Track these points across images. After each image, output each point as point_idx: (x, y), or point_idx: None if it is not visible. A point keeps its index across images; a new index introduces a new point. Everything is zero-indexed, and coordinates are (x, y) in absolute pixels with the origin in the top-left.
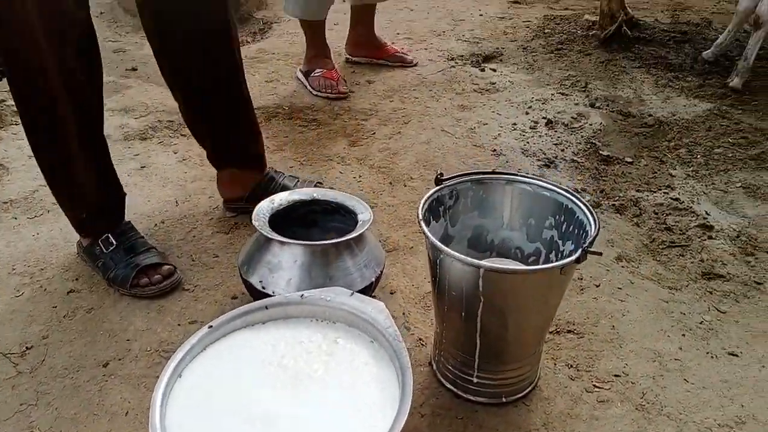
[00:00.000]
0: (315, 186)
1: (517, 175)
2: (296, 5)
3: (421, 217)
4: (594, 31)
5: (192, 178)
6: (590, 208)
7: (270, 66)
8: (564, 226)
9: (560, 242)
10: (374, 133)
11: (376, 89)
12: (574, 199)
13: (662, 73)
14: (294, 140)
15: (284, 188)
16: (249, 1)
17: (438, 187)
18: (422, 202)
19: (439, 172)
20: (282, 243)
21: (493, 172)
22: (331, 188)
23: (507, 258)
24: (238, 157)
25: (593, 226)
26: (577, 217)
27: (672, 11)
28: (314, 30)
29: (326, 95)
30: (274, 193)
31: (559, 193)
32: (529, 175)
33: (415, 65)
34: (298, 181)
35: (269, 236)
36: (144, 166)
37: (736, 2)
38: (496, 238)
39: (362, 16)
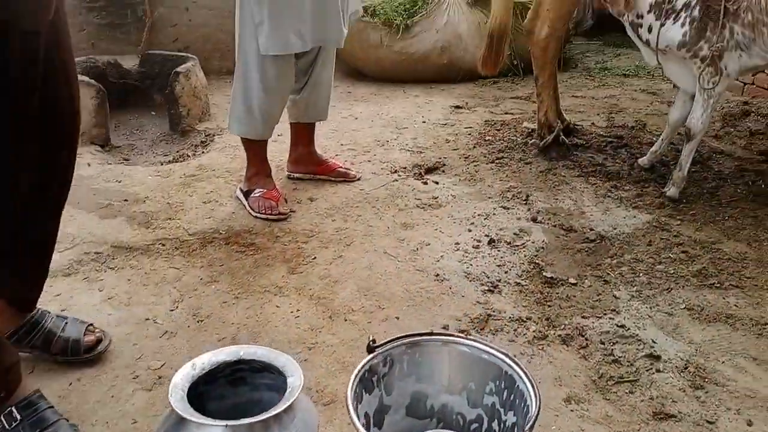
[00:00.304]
0: (87, 329)
1: (453, 335)
2: (240, 124)
3: (350, 402)
4: (533, 140)
5: (116, 321)
6: (531, 378)
7: (209, 184)
8: (505, 394)
9: (502, 411)
10: (315, 258)
11: (318, 207)
12: (514, 365)
13: (601, 182)
14: (230, 269)
15: (50, 333)
16: (191, 113)
17: (370, 356)
18: (352, 379)
19: (371, 339)
20: (199, 424)
21: (430, 334)
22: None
23: (449, 428)
24: (9, 293)
25: (534, 403)
26: (518, 386)
27: (608, 113)
28: (256, 149)
29: (266, 217)
30: (36, 338)
31: (498, 357)
32: (467, 337)
33: (359, 179)
34: (66, 322)
35: (183, 416)
36: (64, 309)
37: (668, 103)
38: (436, 403)
39: (302, 134)
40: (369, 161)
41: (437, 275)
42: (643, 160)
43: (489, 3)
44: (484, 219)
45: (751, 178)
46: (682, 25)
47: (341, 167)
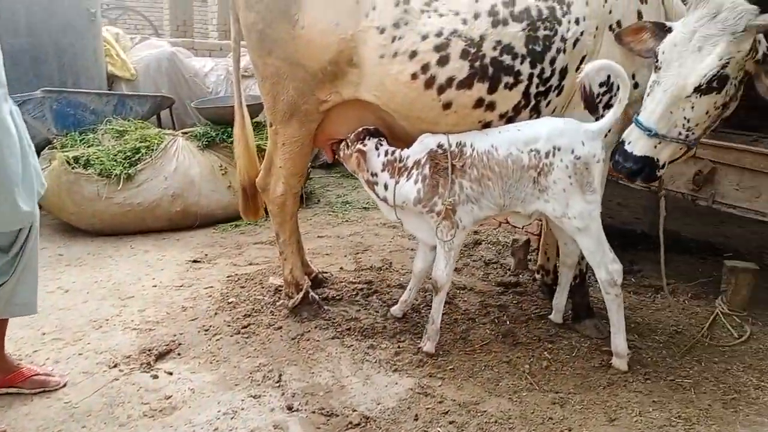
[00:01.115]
0: None
1: None
2: None
3: None
4: (282, 299)
5: None
6: None
7: None
8: None
9: None
10: None
11: None
12: None
13: (357, 342)
14: None
15: None
16: None
17: None
18: None
19: None
20: None
21: None
22: None
23: None
24: None
25: None
26: None
27: (354, 254)
28: None
29: None
30: None
31: None
32: None
33: (64, 386)
34: None
35: None
36: None
37: (408, 237)
38: None
39: None
40: (80, 354)
41: None
42: (395, 310)
43: (221, 146)
44: (231, 418)
45: (496, 315)
46: (415, 182)
47: (38, 373)
